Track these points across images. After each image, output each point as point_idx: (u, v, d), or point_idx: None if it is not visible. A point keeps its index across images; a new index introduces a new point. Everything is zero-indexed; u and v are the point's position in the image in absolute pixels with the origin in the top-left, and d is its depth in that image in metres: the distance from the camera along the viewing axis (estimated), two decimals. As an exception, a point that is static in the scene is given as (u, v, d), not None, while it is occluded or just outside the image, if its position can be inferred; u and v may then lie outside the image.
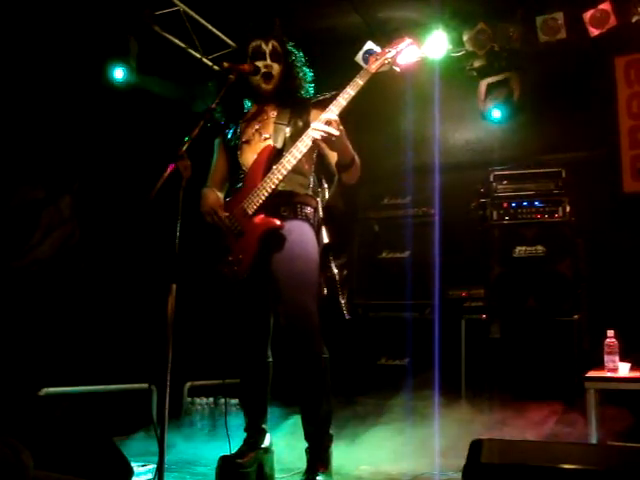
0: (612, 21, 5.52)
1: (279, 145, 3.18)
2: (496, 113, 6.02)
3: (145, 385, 2.89)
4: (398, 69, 3.25)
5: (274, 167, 3.09)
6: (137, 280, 5.03)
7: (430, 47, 5.87)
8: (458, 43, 5.90)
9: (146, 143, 5.17)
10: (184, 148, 2.72)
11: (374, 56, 3.19)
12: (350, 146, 3.12)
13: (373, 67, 3.13)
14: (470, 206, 5.43)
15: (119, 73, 5.61)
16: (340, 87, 3.10)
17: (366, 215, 5.88)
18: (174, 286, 2.56)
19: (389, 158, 5.76)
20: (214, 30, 5.87)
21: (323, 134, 2.96)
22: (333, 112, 3.01)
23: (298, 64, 3.34)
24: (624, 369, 4.13)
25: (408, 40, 3.25)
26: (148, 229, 4.05)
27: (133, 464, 2.46)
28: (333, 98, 3.10)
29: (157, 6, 5.44)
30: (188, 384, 5.21)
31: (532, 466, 1.73)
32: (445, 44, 5.85)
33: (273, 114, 3.27)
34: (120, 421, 3.88)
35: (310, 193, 3.25)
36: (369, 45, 5.74)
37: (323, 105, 3.13)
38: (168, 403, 2.51)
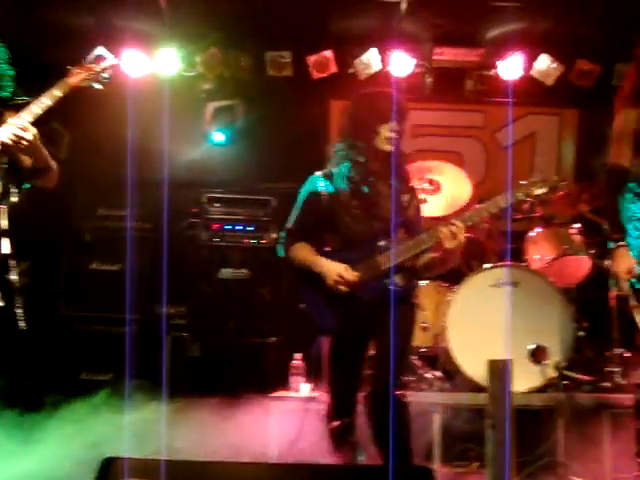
0: (332, 68, 6.02)
1: None
2: (218, 137, 6.17)
3: None
4: (101, 87, 3.25)
5: None
6: None
7: (162, 63, 5.88)
8: (190, 63, 5.99)
9: None
10: None
11: (76, 69, 3.16)
12: (46, 152, 3.05)
13: (73, 80, 3.09)
14: (181, 225, 5.53)
15: None
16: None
17: (78, 224, 5.69)
18: None
19: (108, 168, 5.63)
20: None
21: (13, 138, 2.87)
22: (24, 119, 2.93)
23: None
24: (305, 389, 4.50)
25: (112, 60, 3.28)
26: None
27: None
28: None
29: None
30: None
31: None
32: (177, 62, 5.90)
33: None
34: None
35: None
36: (100, 50, 5.61)
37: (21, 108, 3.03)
38: None
